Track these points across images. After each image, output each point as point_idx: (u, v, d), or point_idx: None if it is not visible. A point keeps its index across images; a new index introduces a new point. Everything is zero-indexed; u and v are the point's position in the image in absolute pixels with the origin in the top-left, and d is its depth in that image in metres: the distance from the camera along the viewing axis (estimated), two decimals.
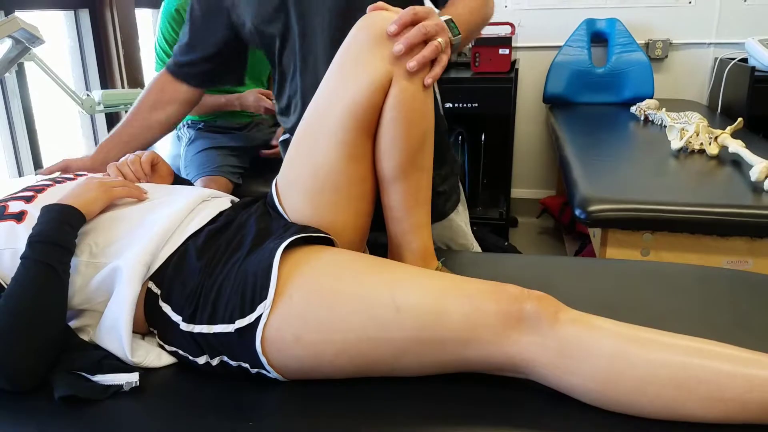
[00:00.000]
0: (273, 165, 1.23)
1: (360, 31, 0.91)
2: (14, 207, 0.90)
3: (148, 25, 2.48)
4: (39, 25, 1.41)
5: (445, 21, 1.00)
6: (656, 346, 0.71)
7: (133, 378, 0.79)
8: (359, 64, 0.90)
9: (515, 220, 3.05)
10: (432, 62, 0.92)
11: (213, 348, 0.80)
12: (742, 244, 1.39)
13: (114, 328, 0.82)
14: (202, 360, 0.81)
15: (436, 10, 1.01)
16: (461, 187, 1.38)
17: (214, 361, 0.81)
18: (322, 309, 0.76)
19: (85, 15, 2.03)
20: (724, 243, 1.39)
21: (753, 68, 2.40)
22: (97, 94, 1.73)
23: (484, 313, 0.73)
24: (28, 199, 0.91)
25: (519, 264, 1.17)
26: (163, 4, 1.84)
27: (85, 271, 0.85)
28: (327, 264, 0.81)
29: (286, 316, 0.76)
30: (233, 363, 0.80)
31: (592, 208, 1.41)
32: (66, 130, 2.06)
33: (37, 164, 1.79)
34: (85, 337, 0.86)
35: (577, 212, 1.43)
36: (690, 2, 2.77)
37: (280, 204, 0.97)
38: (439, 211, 1.29)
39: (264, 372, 0.79)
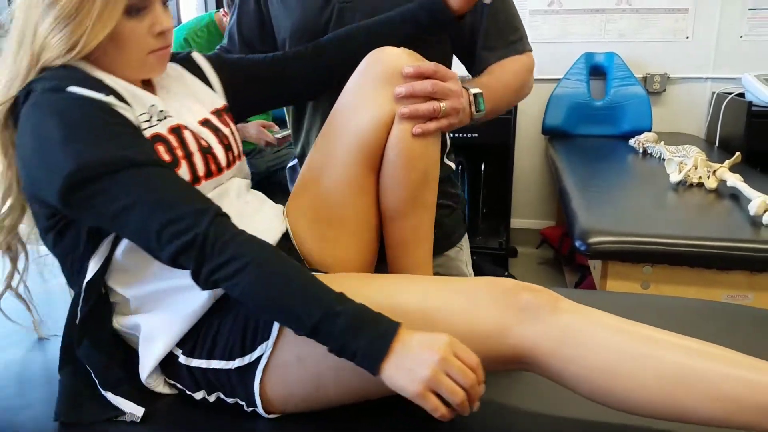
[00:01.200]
0: (275, 190, 1.24)
1: (370, 65, 0.92)
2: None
3: None
4: None
5: (474, 94, 1.02)
6: (658, 343, 0.72)
7: (138, 412, 0.78)
8: (366, 99, 0.91)
9: (515, 250, 3.05)
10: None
11: (210, 383, 0.79)
12: (742, 278, 1.39)
13: (152, 340, 0.81)
14: (199, 396, 0.81)
15: (468, 76, 1.03)
16: (465, 225, 1.38)
17: (212, 398, 0.81)
18: None
19: None
20: (724, 277, 1.40)
21: (750, 103, 2.44)
22: None
23: (484, 307, 0.73)
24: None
25: None
26: None
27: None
28: (326, 281, 0.81)
29: (286, 342, 0.76)
30: (229, 400, 0.79)
31: (593, 239, 1.42)
32: None
33: None
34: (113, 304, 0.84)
35: (577, 244, 1.44)
36: (687, 37, 2.82)
37: (291, 231, 0.96)
38: (438, 245, 1.28)
39: (258, 411, 0.78)
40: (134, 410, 0.78)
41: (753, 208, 1.51)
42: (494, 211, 2.93)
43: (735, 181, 1.70)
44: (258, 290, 0.70)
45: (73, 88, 0.73)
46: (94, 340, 0.80)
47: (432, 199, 0.98)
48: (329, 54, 1.03)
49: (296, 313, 0.69)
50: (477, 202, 2.91)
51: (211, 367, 0.78)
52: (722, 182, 1.76)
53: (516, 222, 3.11)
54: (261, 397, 0.77)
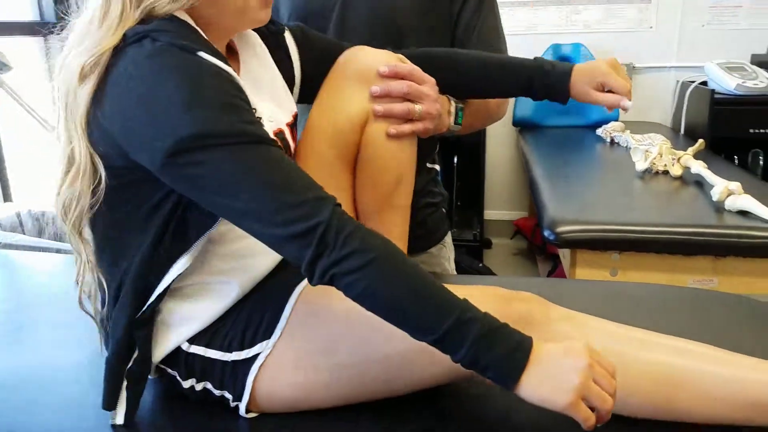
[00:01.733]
0: None
1: (346, 63, 0.92)
2: None
3: None
4: (10, 51, 1.40)
5: (457, 107, 1.03)
6: (646, 345, 0.73)
7: (120, 418, 0.77)
8: (342, 98, 0.91)
9: (489, 241, 3.09)
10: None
11: (203, 372, 0.79)
12: (707, 263, 1.43)
13: (178, 325, 0.78)
14: (187, 384, 0.80)
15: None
16: (448, 222, 1.39)
17: (199, 386, 0.80)
18: (322, 334, 0.76)
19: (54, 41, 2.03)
20: (690, 262, 1.43)
21: (713, 91, 2.49)
22: None
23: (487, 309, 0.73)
24: None
25: (492, 285, 1.19)
26: None
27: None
28: (329, 290, 0.80)
29: (284, 344, 0.77)
30: (216, 392, 0.79)
31: (561, 229, 1.44)
32: (39, 159, 2.04)
33: (6, 195, 1.76)
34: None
35: (546, 233, 1.46)
36: (651, 27, 2.87)
37: None
38: (421, 243, 1.30)
39: (240, 406, 0.78)
40: (122, 411, 0.77)
41: (716, 194, 1.54)
42: (468, 204, 2.95)
43: (699, 167, 1.74)
44: (382, 290, 0.65)
45: (203, 54, 0.68)
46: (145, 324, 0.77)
47: (405, 201, 0.98)
48: (438, 69, 0.98)
49: (424, 317, 0.65)
50: (451, 195, 2.93)
51: (208, 356, 0.78)
52: (687, 169, 1.79)
53: (489, 213, 3.14)
54: (250, 393, 0.77)
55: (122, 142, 0.69)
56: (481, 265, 2.66)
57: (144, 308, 0.76)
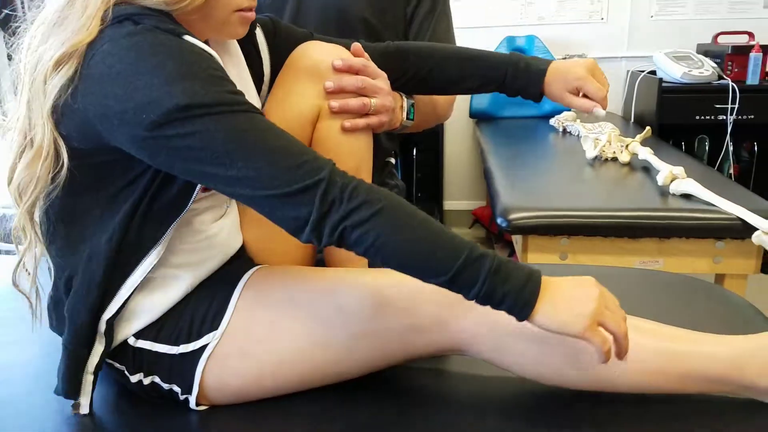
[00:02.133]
0: None
1: (297, 59, 0.91)
2: None
3: None
4: None
5: (409, 103, 1.04)
6: None
7: (85, 407, 0.77)
8: (291, 93, 0.91)
9: None
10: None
11: (150, 366, 0.78)
12: (652, 244, 1.48)
13: (130, 319, 0.77)
14: (135, 378, 0.80)
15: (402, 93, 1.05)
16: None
17: (146, 380, 0.80)
18: (266, 321, 0.77)
19: None
20: (636, 245, 1.48)
21: (660, 80, 2.56)
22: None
23: (423, 297, 0.75)
24: None
25: None
26: None
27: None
28: (273, 280, 0.81)
29: (232, 336, 0.77)
30: (165, 386, 0.79)
31: (512, 216, 1.47)
32: None
33: None
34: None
35: (499, 221, 1.49)
36: (602, 18, 2.93)
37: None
38: None
39: (190, 399, 0.78)
40: (86, 400, 0.77)
41: (661, 179, 1.59)
42: (427, 195, 2.98)
43: (646, 154, 1.79)
44: (395, 235, 0.65)
45: (188, 38, 0.69)
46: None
47: None
48: (411, 63, 1.00)
49: (437, 258, 0.65)
50: (410, 186, 2.96)
51: (155, 350, 0.78)
52: (634, 156, 1.85)
53: (449, 204, 3.18)
54: (202, 380, 0.77)
55: (97, 122, 0.67)
56: None
57: (118, 300, 0.75)
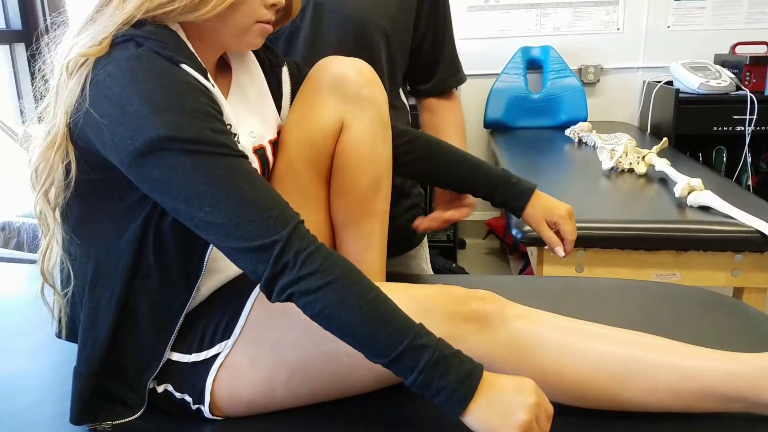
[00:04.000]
0: None
1: (318, 74, 0.91)
2: None
3: None
4: None
5: None
6: (598, 338, 0.76)
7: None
8: (313, 107, 0.91)
9: (463, 241, 3.11)
10: None
11: (163, 374, 0.79)
12: (670, 257, 1.46)
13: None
14: (149, 386, 0.79)
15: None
16: None
17: (160, 389, 0.80)
18: (277, 331, 0.77)
19: (20, 48, 2.01)
20: (653, 257, 1.46)
21: (677, 90, 2.54)
22: (35, 130, 1.70)
23: (433, 315, 0.74)
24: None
25: (463, 283, 1.20)
26: None
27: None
28: None
29: (242, 344, 0.77)
30: (177, 395, 0.79)
31: (527, 227, 1.46)
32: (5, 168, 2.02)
33: None
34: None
35: (514, 232, 1.48)
36: (618, 29, 2.92)
37: None
38: (401, 246, 1.31)
39: (203, 409, 0.78)
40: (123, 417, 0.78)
41: (678, 191, 1.58)
42: None
43: (663, 165, 1.77)
44: (338, 312, 0.66)
45: (185, 66, 0.70)
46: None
47: (384, 207, 0.96)
48: (419, 159, 1.05)
49: (377, 341, 0.66)
50: (426, 196, 2.95)
51: (168, 358, 0.78)
52: (651, 167, 1.83)
53: None
54: (211, 395, 0.77)
55: (95, 139, 0.69)
56: (454, 265, 2.68)
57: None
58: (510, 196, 1.06)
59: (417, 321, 0.74)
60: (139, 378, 0.77)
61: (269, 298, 0.68)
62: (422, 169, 1.07)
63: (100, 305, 0.75)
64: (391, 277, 1.21)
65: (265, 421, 0.79)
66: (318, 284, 0.65)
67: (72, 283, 0.78)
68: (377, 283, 0.81)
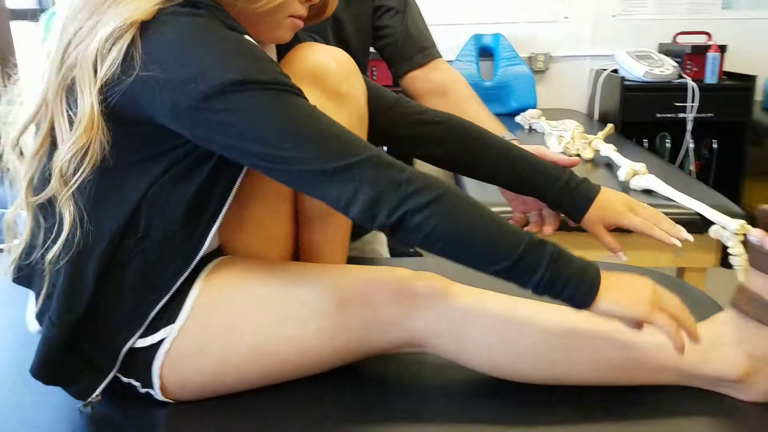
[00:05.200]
0: None
1: (296, 62, 0.87)
2: None
3: (29, 39, 2.37)
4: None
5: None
6: (540, 315, 0.77)
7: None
8: None
9: None
10: None
11: None
12: (616, 239, 1.50)
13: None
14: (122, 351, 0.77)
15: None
16: None
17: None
18: (226, 317, 0.76)
19: None
20: None
21: (623, 78, 2.62)
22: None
23: (382, 297, 0.76)
24: None
25: (416, 266, 1.22)
26: (46, 16, 1.77)
27: None
28: (235, 273, 0.80)
29: (191, 331, 0.75)
30: (124, 379, 0.77)
31: None
32: None
33: None
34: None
35: None
36: (566, 17, 2.98)
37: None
38: (356, 231, 1.31)
39: (152, 393, 0.77)
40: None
41: (622, 175, 1.63)
42: None
43: (608, 150, 1.83)
44: (457, 221, 0.64)
45: (248, 37, 0.70)
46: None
47: None
48: (465, 149, 0.95)
49: (501, 241, 0.65)
50: None
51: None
52: (597, 152, 1.88)
53: None
54: (159, 379, 0.76)
55: (136, 102, 0.66)
56: (412, 250, 2.70)
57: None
58: (567, 205, 0.96)
59: (364, 302, 0.76)
60: (112, 337, 0.74)
61: (371, 224, 0.65)
62: (458, 163, 0.98)
63: (88, 258, 0.71)
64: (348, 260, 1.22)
65: (223, 403, 0.78)
66: (428, 199, 0.63)
67: (39, 229, 0.73)
68: (328, 269, 0.82)
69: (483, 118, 1.19)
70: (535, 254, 0.65)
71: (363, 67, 1.30)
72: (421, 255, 2.62)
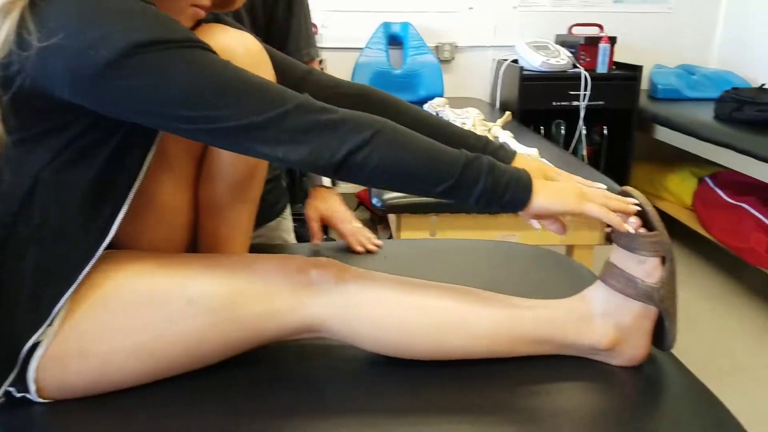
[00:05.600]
0: None
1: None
2: None
3: None
4: None
5: None
6: (424, 293, 0.80)
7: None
8: None
9: None
10: None
11: None
12: (510, 220, 1.63)
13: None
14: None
15: None
16: (287, 195, 1.43)
17: None
18: (108, 316, 0.72)
19: None
20: (495, 220, 1.62)
21: (521, 68, 2.76)
22: None
23: (275, 287, 0.76)
24: None
25: (324, 250, 1.28)
26: None
27: None
28: (116, 270, 0.75)
29: (67, 333, 0.71)
30: None
31: (386, 196, 1.57)
32: None
33: None
34: None
35: (374, 201, 1.59)
36: (471, 8, 3.10)
37: None
38: (260, 218, 1.34)
39: (29, 397, 0.72)
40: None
41: None
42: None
43: (506, 137, 1.95)
44: (400, 153, 0.66)
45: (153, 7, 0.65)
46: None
47: (257, 192, 0.94)
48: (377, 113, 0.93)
49: (443, 161, 0.67)
50: (295, 170, 2.99)
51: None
52: (496, 139, 2.01)
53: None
54: (35, 383, 0.71)
55: (36, 67, 0.61)
56: (326, 237, 2.76)
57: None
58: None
59: (258, 294, 0.76)
60: (10, 335, 0.70)
61: (313, 169, 0.66)
62: None
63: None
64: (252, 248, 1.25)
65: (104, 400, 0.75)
66: (367, 136, 0.65)
67: None
68: (220, 262, 0.79)
69: None
70: (474, 168, 0.69)
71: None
72: (333, 240, 2.68)
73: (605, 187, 0.79)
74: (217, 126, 0.63)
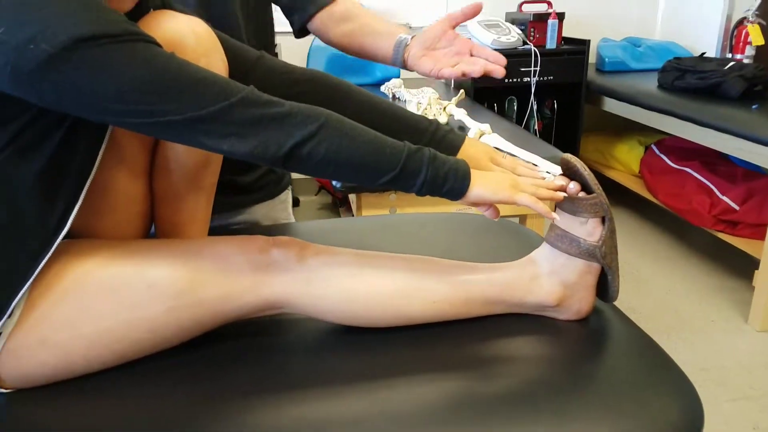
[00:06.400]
0: None
1: (148, 30, 0.81)
2: None
3: None
4: None
5: None
6: (383, 264, 0.83)
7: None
8: None
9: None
10: None
11: None
12: None
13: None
14: None
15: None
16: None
17: None
18: (68, 304, 0.72)
19: None
20: None
21: None
22: None
23: (236, 267, 0.77)
24: None
25: (290, 231, 1.32)
26: None
27: None
28: (75, 259, 0.75)
29: (28, 324, 0.71)
30: None
31: None
32: None
33: None
34: None
35: (334, 183, 1.63)
36: None
37: None
38: (273, 191, 1.38)
39: None
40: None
41: (471, 135, 1.82)
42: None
43: (460, 114, 2.01)
44: (346, 144, 0.69)
45: None
46: None
47: (212, 179, 0.94)
48: (331, 99, 0.94)
49: (385, 155, 0.71)
50: None
51: None
52: (451, 117, 2.07)
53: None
54: None
55: None
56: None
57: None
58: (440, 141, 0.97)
59: (218, 276, 0.77)
60: None
61: (261, 162, 0.68)
62: None
63: None
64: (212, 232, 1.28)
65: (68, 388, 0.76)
66: (314, 128, 0.68)
67: None
68: (180, 245, 0.80)
69: (382, 26, 1.22)
70: (416, 160, 0.73)
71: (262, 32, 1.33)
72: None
73: (546, 170, 0.86)
74: (160, 120, 0.64)
